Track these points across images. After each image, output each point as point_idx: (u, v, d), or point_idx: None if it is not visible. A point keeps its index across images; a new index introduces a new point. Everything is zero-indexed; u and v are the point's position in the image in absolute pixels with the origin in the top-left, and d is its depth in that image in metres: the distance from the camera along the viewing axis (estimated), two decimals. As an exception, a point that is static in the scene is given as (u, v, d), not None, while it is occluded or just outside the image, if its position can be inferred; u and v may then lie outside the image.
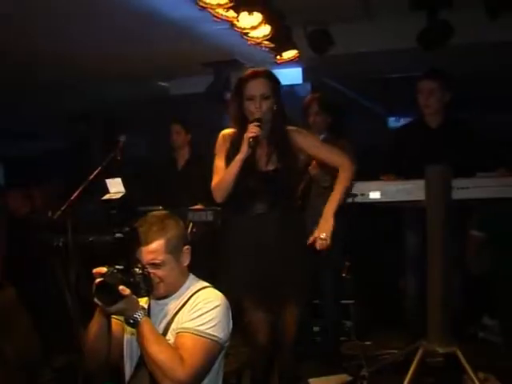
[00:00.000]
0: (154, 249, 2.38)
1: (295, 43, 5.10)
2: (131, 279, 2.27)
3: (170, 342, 2.33)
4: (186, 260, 2.52)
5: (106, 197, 2.23)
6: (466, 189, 3.73)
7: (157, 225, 2.42)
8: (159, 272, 2.40)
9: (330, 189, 4.58)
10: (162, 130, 5.87)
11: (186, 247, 2.52)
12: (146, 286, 2.32)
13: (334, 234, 4.73)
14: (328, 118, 4.92)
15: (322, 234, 3.25)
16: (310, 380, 4.35)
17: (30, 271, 4.98)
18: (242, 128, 3.28)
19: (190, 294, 2.45)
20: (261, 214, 3.31)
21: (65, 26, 4.88)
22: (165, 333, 2.39)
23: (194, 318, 2.32)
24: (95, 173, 3.87)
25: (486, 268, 4.97)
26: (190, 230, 4.77)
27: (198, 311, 2.34)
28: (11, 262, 4.85)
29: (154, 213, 2.56)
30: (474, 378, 3.67)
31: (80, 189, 3.98)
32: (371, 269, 5.80)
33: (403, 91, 5.14)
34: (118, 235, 2.19)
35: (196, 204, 5.19)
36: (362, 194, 3.87)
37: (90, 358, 2.39)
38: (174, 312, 2.43)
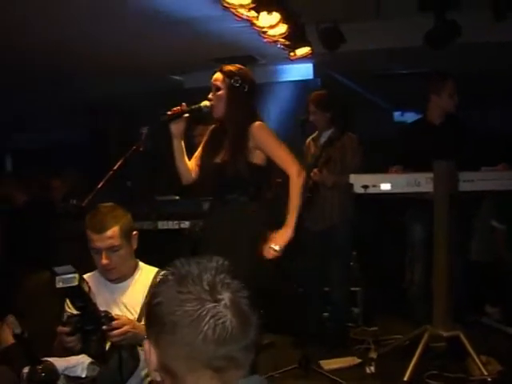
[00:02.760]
0: (111, 234, 2.62)
1: (308, 40, 5.27)
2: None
3: None
4: (134, 244, 2.77)
5: (60, 285, 2.07)
6: (472, 182, 3.95)
7: (110, 214, 2.68)
8: (114, 256, 2.64)
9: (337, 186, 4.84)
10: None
11: (134, 232, 2.77)
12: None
13: (342, 224, 4.98)
14: (326, 114, 5.09)
15: (276, 245, 3.25)
16: (321, 361, 4.56)
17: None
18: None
19: (151, 277, 2.67)
20: (210, 205, 3.58)
21: (85, 22, 5.06)
22: (142, 311, 2.55)
23: None
24: (119, 163, 4.06)
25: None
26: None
27: None
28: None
29: (103, 205, 2.80)
30: (477, 360, 3.87)
31: (105, 178, 4.19)
32: (378, 257, 5.99)
33: (408, 87, 5.32)
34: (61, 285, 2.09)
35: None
36: (374, 186, 4.07)
37: None
38: (145, 294, 2.56)
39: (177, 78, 7.13)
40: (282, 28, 4.45)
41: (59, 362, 2.21)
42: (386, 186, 4.05)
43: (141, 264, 2.81)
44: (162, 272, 1.25)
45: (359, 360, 4.56)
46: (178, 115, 3.37)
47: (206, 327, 1.14)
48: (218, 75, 3.43)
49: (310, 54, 5.35)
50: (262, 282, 3.23)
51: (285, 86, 6.74)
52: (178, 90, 6.95)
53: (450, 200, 3.98)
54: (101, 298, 2.63)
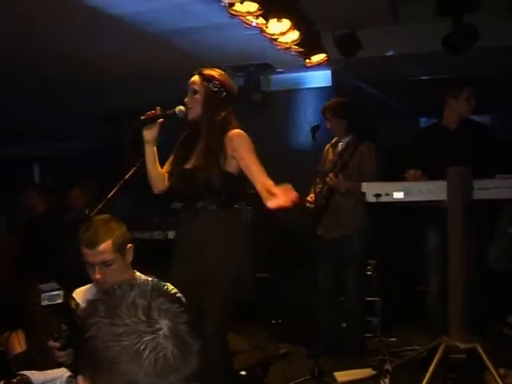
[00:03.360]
0: (102, 249, 2.59)
1: (324, 47, 5.22)
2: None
3: None
4: (129, 257, 2.73)
5: (46, 303, 2.05)
6: (487, 189, 3.84)
7: (103, 227, 2.64)
8: (108, 270, 2.60)
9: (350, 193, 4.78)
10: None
11: (130, 245, 2.73)
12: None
13: (357, 232, 4.91)
14: (342, 122, 5.05)
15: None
16: (335, 373, 4.48)
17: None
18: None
19: None
20: (180, 213, 3.47)
21: (97, 32, 5.09)
22: None
23: None
24: (130, 172, 4.06)
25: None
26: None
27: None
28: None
29: (98, 217, 2.78)
30: (495, 373, 3.75)
31: (116, 188, 4.19)
32: (397, 267, 5.90)
33: (432, 92, 5.21)
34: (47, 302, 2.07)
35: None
36: (387, 194, 3.98)
37: None
38: None
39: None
40: (294, 35, 4.40)
41: (36, 376, 2.18)
42: (398, 195, 3.96)
43: (137, 274, 2.77)
44: (92, 299, 1.15)
45: (374, 372, 4.47)
46: (152, 120, 3.28)
47: (146, 362, 1.05)
48: (196, 78, 3.35)
49: (326, 60, 5.29)
50: (235, 291, 3.21)
51: (303, 93, 6.69)
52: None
53: (464, 208, 3.88)
54: None
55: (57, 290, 2.05)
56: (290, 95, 6.72)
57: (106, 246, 2.59)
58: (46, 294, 2.03)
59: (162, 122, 3.31)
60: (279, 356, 4.92)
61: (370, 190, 4.02)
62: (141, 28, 5.01)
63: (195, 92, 3.33)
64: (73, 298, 2.17)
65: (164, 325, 1.09)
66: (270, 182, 3.01)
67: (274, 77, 6.78)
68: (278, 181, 6.15)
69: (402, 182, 4.10)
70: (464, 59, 5.03)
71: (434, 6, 4.72)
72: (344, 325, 5.25)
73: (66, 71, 6.07)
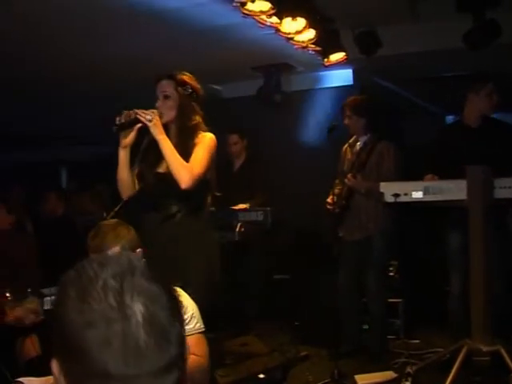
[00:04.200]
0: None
1: (343, 45, 5.17)
2: None
3: None
4: None
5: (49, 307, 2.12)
6: (509, 188, 3.74)
7: (111, 233, 2.60)
8: None
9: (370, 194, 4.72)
10: (215, 131, 6.03)
11: (138, 250, 2.67)
12: None
13: (378, 234, 4.84)
14: (361, 119, 4.97)
15: None
16: (356, 376, 4.42)
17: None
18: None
19: None
20: (149, 218, 3.39)
21: (127, 38, 5.12)
22: None
23: (185, 321, 2.44)
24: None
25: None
26: (238, 229, 4.93)
27: (187, 313, 2.50)
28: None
29: (105, 222, 2.77)
30: (518, 376, 3.68)
31: (134, 192, 4.19)
32: (420, 268, 5.81)
33: (457, 90, 5.13)
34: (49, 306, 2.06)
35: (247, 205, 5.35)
36: (405, 194, 3.91)
37: None
38: None
39: (215, 87, 7.10)
40: (311, 33, 4.37)
41: (33, 382, 2.16)
42: (417, 194, 3.89)
43: None
44: (63, 280, 1.04)
45: (395, 375, 4.39)
46: (129, 125, 3.26)
47: (115, 352, 0.96)
48: (167, 82, 3.38)
49: (345, 59, 5.23)
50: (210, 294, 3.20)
51: (324, 92, 6.63)
52: (217, 100, 6.92)
53: (485, 207, 3.79)
54: None
55: None
56: (311, 95, 6.67)
57: (113, 252, 2.51)
58: (48, 298, 2.01)
59: (139, 128, 3.28)
60: (300, 358, 4.86)
61: (389, 189, 3.96)
62: (164, 27, 4.99)
63: (167, 97, 3.37)
64: None
65: (137, 310, 0.99)
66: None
67: (295, 76, 6.73)
68: (298, 179, 6.15)
69: (421, 182, 4.02)
70: (487, 55, 4.94)
71: (454, 3, 4.64)
72: (366, 326, 5.18)
73: (93, 76, 6.12)
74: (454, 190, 3.83)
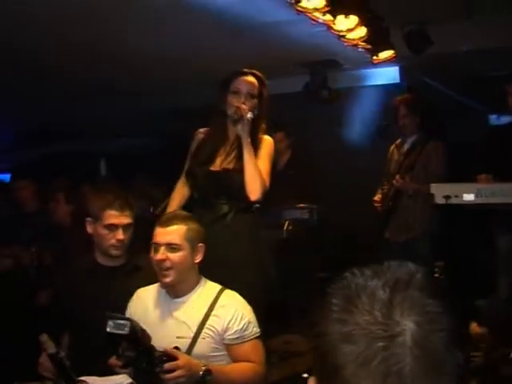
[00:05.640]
0: (173, 230, 2.56)
1: (392, 43, 5.10)
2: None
3: (206, 336, 2.52)
4: (198, 256, 2.66)
5: (109, 330, 2.04)
6: None
7: (181, 215, 2.73)
8: (173, 256, 2.54)
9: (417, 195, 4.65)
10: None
11: (201, 244, 2.67)
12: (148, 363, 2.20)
13: (423, 235, 4.78)
14: (416, 118, 4.91)
15: None
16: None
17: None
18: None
19: (214, 295, 2.61)
20: (214, 213, 3.30)
21: (166, 32, 5.12)
22: (201, 328, 2.52)
23: (243, 328, 2.53)
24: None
25: None
26: (286, 227, 4.90)
27: (244, 319, 2.53)
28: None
29: (177, 211, 2.99)
30: None
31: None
32: (466, 270, 5.71)
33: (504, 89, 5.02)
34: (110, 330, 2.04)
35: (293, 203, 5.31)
36: (456, 196, 3.85)
37: None
38: (206, 311, 2.55)
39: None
40: (362, 31, 4.32)
41: (97, 382, 2.18)
42: (469, 197, 3.82)
43: (204, 280, 2.72)
44: (332, 288, 0.93)
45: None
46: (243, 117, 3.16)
47: (373, 375, 0.82)
48: (253, 80, 3.30)
49: (394, 57, 5.16)
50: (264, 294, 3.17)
51: (370, 90, 6.55)
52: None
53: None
54: (158, 312, 2.62)
55: (125, 319, 2.04)
56: (357, 92, 6.59)
57: (178, 228, 2.57)
58: (113, 321, 2.01)
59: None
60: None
61: (440, 191, 3.90)
62: (211, 23, 4.99)
63: (252, 95, 3.27)
64: (143, 330, 2.15)
65: (407, 328, 0.83)
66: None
67: (340, 73, 6.65)
68: (344, 178, 6.09)
69: (473, 184, 3.95)
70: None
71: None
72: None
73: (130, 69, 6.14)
74: (508, 192, 3.76)
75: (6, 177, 11.84)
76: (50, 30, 4.93)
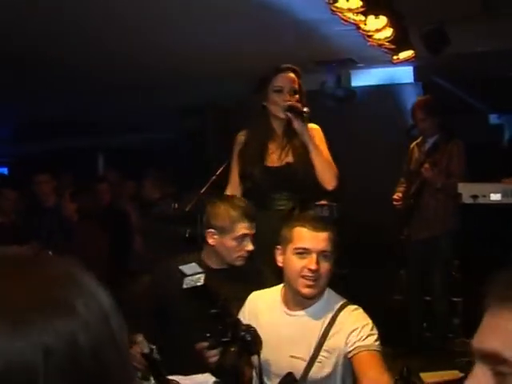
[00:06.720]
0: (326, 237, 2.32)
1: (412, 43, 5.14)
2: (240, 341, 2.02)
3: (322, 360, 2.32)
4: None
5: (190, 285, 1.98)
6: None
7: (322, 218, 2.66)
8: (325, 265, 2.30)
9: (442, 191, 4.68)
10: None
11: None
12: (254, 341, 2.04)
13: (444, 234, 4.83)
14: (434, 120, 4.95)
15: None
16: (422, 374, 4.42)
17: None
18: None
19: (336, 308, 2.38)
20: (278, 210, 3.24)
21: (188, 26, 5.13)
22: (317, 350, 2.33)
23: (366, 337, 2.34)
24: (222, 168, 4.05)
25: None
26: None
27: (365, 328, 2.35)
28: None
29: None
30: None
31: (208, 183, 4.20)
32: (482, 268, 5.77)
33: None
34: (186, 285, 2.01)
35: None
36: (484, 196, 3.91)
37: None
38: (322, 331, 2.35)
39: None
40: (388, 32, 4.36)
41: (184, 382, 2.18)
42: (496, 197, 3.89)
43: (327, 290, 2.44)
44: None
45: (461, 374, 4.38)
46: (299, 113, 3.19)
47: None
48: (294, 77, 3.32)
49: (413, 57, 5.21)
50: None
51: (383, 89, 6.60)
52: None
53: None
54: (271, 322, 2.41)
55: (199, 273, 1.99)
56: (373, 91, 6.63)
57: (329, 234, 2.34)
58: (189, 277, 1.97)
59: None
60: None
61: (467, 190, 3.96)
62: (231, 20, 5.01)
63: (296, 91, 3.29)
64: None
65: None
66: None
67: (355, 72, 6.69)
68: (361, 176, 6.12)
69: (500, 184, 4.03)
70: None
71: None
72: (425, 325, 5.19)
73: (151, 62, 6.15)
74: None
75: (4, 170, 11.89)
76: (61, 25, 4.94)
